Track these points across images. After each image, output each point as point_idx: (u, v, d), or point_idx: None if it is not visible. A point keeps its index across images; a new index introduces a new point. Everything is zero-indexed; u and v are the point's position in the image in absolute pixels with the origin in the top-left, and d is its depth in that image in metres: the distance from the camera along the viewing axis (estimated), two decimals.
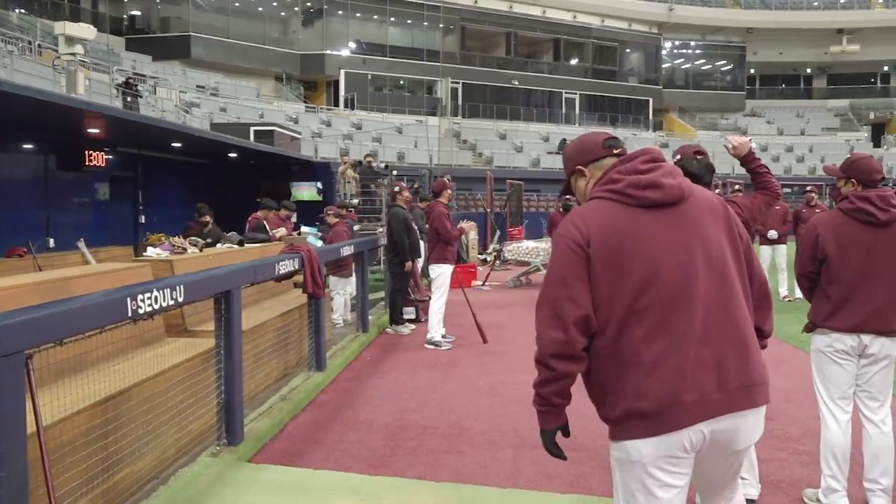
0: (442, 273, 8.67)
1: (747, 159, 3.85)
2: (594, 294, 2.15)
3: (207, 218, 9.84)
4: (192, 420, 4.57)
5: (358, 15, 38.64)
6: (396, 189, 9.75)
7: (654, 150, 2.34)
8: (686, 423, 2.09)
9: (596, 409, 2.29)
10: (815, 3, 46.18)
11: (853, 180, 3.73)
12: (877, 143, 43.51)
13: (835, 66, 48.47)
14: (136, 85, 19.54)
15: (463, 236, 8.93)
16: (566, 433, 2.34)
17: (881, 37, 45.02)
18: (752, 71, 49.29)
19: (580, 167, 2.42)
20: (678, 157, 3.86)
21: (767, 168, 3.87)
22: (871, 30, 45.10)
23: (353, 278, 9.71)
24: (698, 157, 3.83)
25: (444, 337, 8.59)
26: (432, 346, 8.42)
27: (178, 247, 6.75)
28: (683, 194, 2.22)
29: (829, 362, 3.76)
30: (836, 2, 46.50)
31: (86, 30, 16.85)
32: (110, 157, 13.20)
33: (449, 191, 8.97)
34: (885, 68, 48.84)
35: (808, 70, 49.87)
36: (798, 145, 41.74)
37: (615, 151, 2.37)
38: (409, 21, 39.84)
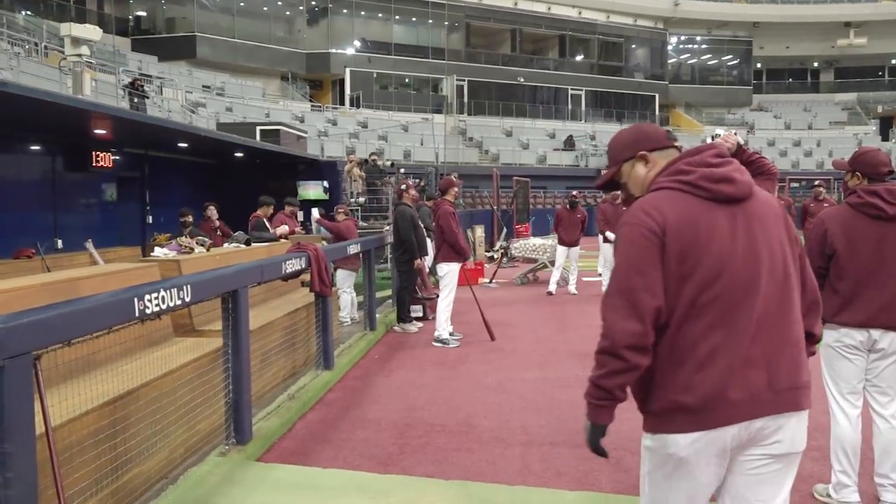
0: (449, 271, 8.66)
1: (738, 152, 3.84)
2: (668, 285, 2.11)
3: (189, 218, 9.98)
4: (201, 419, 4.58)
5: (363, 13, 38.63)
6: (403, 187, 9.74)
7: (719, 145, 2.32)
8: (731, 420, 2.09)
9: (635, 399, 2.26)
10: None
11: (859, 174, 3.72)
12: (885, 136, 43.31)
13: (842, 59, 48.18)
14: (143, 86, 19.57)
15: (470, 233, 8.91)
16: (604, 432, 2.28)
17: (889, 30, 44.73)
18: (759, 65, 49.08)
19: (644, 153, 2.35)
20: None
21: (758, 152, 3.85)
22: (878, 23, 44.83)
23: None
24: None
25: (451, 335, 8.59)
26: (440, 344, 8.42)
27: (186, 247, 6.76)
28: (752, 192, 2.21)
29: (838, 357, 3.74)
30: None
31: (92, 31, 16.85)
32: (117, 157, 13.22)
33: (455, 189, 8.95)
34: (893, 61, 48.50)
35: (816, 64, 49.59)
36: (806, 140, 41.57)
37: (675, 144, 2.36)
38: (413, 19, 39.82)
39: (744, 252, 2.13)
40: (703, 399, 2.08)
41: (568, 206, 12.94)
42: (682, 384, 2.11)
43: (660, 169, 2.29)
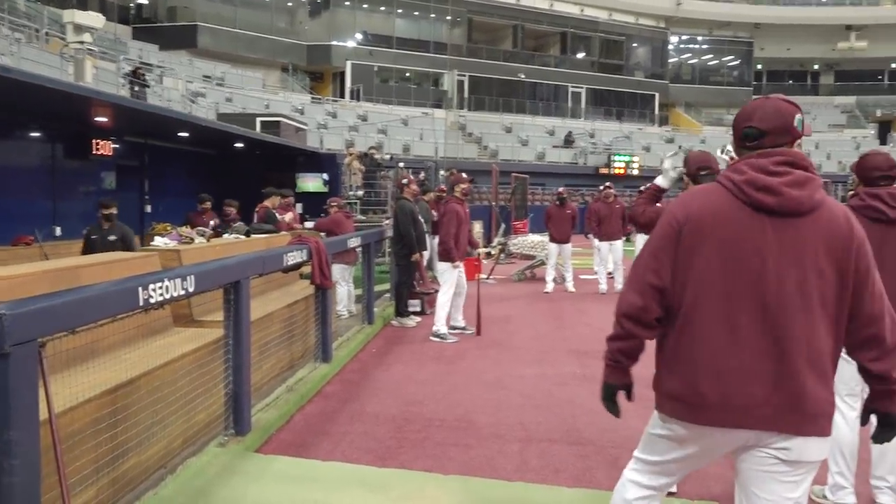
0: (446, 269, 8.66)
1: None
2: (677, 271, 2.23)
3: (233, 210, 10.04)
4: (200, 410, 4.58)
5: (365, 6, 38.56)
6: (404, 181, 9.74)
7: (795, 153, 2.23)
8: (727, 423, 2.18)
9: (654, 377, 2.39)
10: (824, 0, 46.00)
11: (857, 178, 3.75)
12: (883, 140, 43.32)
13: (842, 62, 48.27)
14: (144, 75, 19.52)
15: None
16: (629, 396, 2.47)
17: (889, 34, 44.90)
18: (760, 66, 49.12)
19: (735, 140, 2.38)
20: (686, 170, 3.91)
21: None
22: (879, 26, 44.99)
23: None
24: (701, 173, 3.86)
25: (452, 329, 8.61)
26: (437, 339, 8.43)
27: (186, 237, 6.76)
28: (803, 208, 2.15)
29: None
30: None
31: (94, 18, 16.83)
32: (117, 146, 13.20)
33: (463, 185, 8.89)
34: (893, 65, 48.60)
35: (816, 66, 49.66)
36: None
37: (747, 145, 2.29)
38: (416, 13, 39.76)
39: (763, 266, 2.13)
40: (700, 396, 2.18)
41: (557, 202, 12.94)
42: (686, 376, 2.21)
43: (741, 158, 2.32)
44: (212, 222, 10.04)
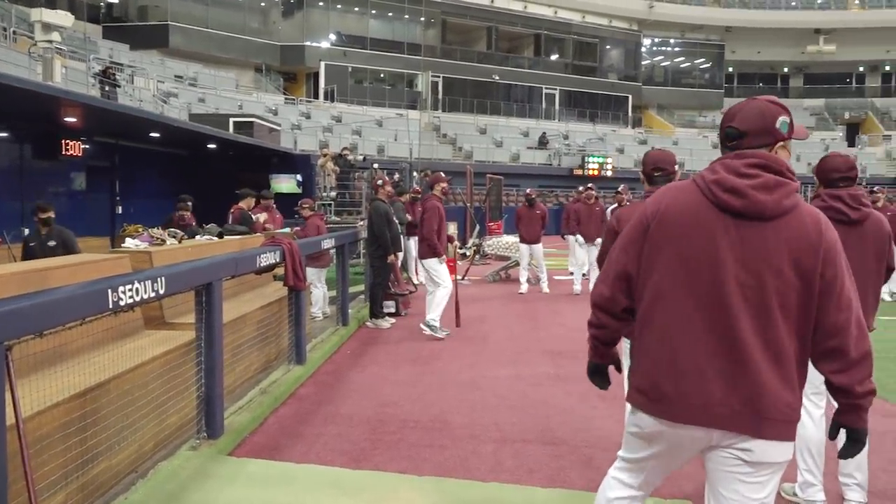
0: (434, 266, 8.71)
1: None
2: (642, 265, 2.29)
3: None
4: (172, 413, 4.53)
5: (339, 7, 38.45)
6: (379, 182, 9.73)
7: (769, 156, 2.20)
8: (686, 420, 2.19)
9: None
10: (793, 3, 46.66)
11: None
12: (851, 142, 44.15)
13: (811, 65, 49.10)
14: (114, 74, 19.28)
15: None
16: (618, 368, 2.63)
17: (857, 37, 45.70)
18: (731, 69, 49.68)
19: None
20: (642, 168, 3.94)
21: None
22: (847, 30, 45.72)
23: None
24: (656, 174, 3.89)
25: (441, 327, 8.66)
26: (428, 330, 8.50)
27: (157, 238, 6.68)
28: (766, 213, 2.13)
29: None
30: (814, 2, 47.05)
31: (63, 17, 16.59)
32: (87, 146, 13.03)
33: (442, 184, 8.97)
34: (861, 69, 49.53)
35: (786, 69, 50.42)
36: None
37: (728, 144, 2.28)
38: (390, 14, 39.70)
39: (724, 267, 2.14)
40: (658, 391, 2.23)
41: (527, 203, 12.98)
42: (650, 371, 2.26)
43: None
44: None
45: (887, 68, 49.08)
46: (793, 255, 2.12)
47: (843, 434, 2.29)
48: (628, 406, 2.42)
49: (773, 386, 2.12)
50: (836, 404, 2.26)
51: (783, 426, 2.15)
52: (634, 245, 2.30)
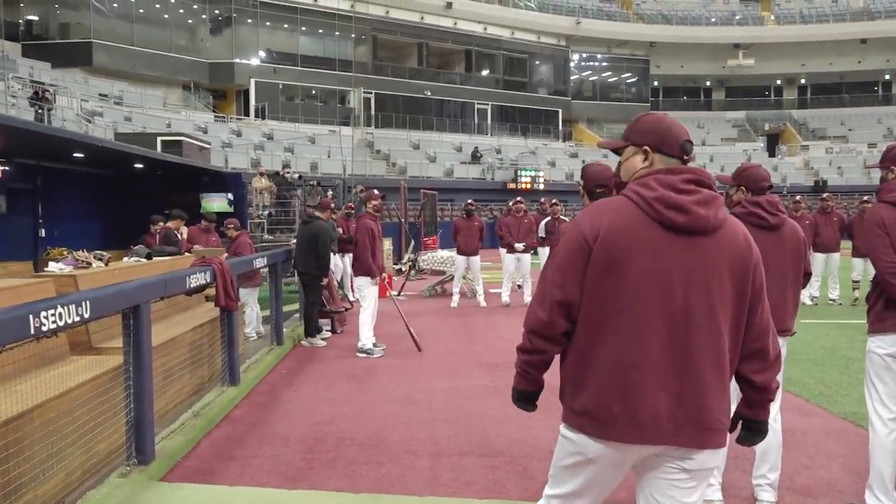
0: (365, 283, 8.64)
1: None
2: (586, 287, 2.23)
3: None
4: (100, 440, 4.41)
5: (268, 24, 38.15)
6: (320, 202, 9.76)
7: (701, 171, 2.28)
8: (634, 439, 2.19)
9: (560, 387, 2.37)
10: (713, 20, 48.43)
11: (743, 188, 3.95)
12: (772, 152, 45.88)
13: (732, 79, 51.02)
14: (46, 94, 18.69)
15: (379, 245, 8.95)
16: (536, 396, 2.53)
17: (774, 52, 47.93)
18: (656, 83, 51.22)
19: (648, 148, 2.33)
20: (583, 184, 4.03)
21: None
22: (764, 45, 47.87)
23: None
24: (598, 190, 3.99)
25: (375, 345, 8.58)
26: (364, 355, 8.41)
27: (82, 261, 6.50)
28: (710, 227, 2.20)
29: None
30: (732, 18, 48.91)
31: None
32: (6, 168, 12.58)
33: (375, 201, 8.89)
34: (778, 81, 51.74)
35: (708, 83, 52.24)
36: (699, 155, 43.36)
37: (685, 158, 2.32)
38: (320, 30, 39.59)
39: (671, 282, 2.17)
40: (610, 413, 2.19)
41: (464, 215, 13.08)
42: (595, 392, 2.22)
43: (647, 172, 2.30)
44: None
45: (803, 81, 51.31)
46: (731, 267, 2.21)
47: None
48: (563, 434, 2.36)
49: (715, 397, 2.19)
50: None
51: (721, 435, 2.24)
52: (573, 267, 2.24)
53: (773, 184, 4.00)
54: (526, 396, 2.51)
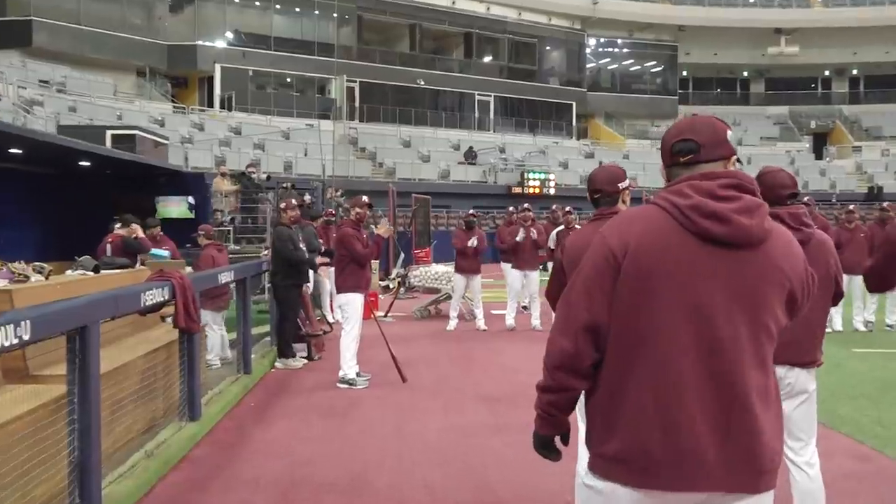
0: (349, 302, 8.63)
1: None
2: (615, 309, 2.21)
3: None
4: (39, 483, 4.41)
5: (236, 1, 38.29)
6: (282, 205, 9.76)
7: (742, 175, 2.26)
8: (677, 487, 2.16)
9: (586, 430, 2.34)
10: (752, 0, 48.36)
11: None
12: (818, 154, 45.77)
13: (773, 69, 50.79)
14: None
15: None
16: (565, 441, 2.48)
17: (822, 38, 47.26)
18: (685, 73, 51.24)
19: (663, 167, 2.39)
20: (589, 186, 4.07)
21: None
22: (810, 30, 47.32)
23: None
24: (596, 195, 4.03)
25: (358, 374, 8.58)
26: (346, 386, 8.41)
27: (19, 274, 6.50)
28: (754, 239, 2.19)
29: None
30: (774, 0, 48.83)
31: None
32: None
33: (358, 209, 8.88)
34: (826, 73, 51.47)
35: (745, 73, 52.13)
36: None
37: (681, 160, 2.31)
38: (297, 9, 39.77)
39: (714, 304, 2.15)
40: (649, 457, 2.15)
41: (464, 226, 13.01)
42: (628, 434, 2.18)
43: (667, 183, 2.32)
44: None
45: (855, 72, 51.23)
46: (781, 285, 2.21)
47: None
48: (587, 484, 2.32)
49: (768, 434, 2.18)
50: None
51: (774, 476, 2.23)
52: (600, 286, 2.22)
53: (797, 191, 3.97)
54: (549, 442, 2.47)
